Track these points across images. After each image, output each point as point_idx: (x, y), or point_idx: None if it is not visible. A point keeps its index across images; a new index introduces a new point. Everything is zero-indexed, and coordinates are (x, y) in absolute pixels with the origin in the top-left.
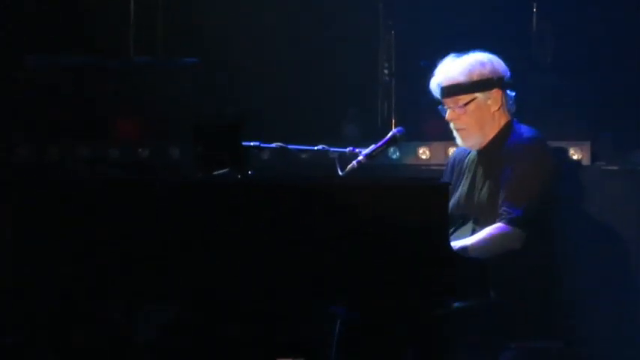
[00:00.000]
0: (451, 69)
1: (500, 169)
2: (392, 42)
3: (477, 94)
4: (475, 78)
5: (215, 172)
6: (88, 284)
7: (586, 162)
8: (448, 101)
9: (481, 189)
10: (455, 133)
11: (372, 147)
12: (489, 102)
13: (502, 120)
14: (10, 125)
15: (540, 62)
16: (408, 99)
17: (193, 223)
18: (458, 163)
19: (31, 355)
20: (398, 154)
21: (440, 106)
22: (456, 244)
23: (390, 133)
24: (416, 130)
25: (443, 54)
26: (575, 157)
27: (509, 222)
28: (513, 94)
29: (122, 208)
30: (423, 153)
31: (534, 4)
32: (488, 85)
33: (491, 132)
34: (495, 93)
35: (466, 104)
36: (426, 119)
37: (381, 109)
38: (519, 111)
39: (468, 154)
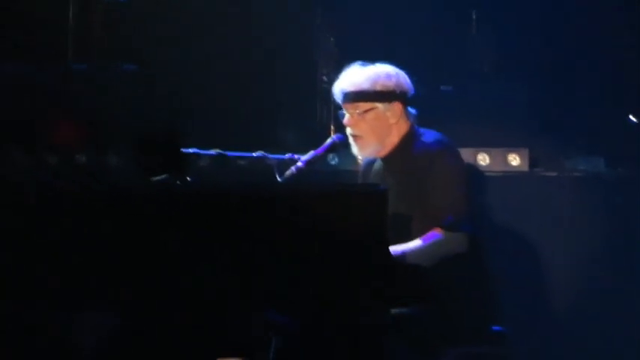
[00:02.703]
0: (356, 76)
1: (413, 179)
2: (331, 48)
3: (378, 104)
4: (378, 88)
5: (154, 178)
6: (29, 289)
7: (524, 168)
8: (349, 107)
9: (395, 201)
10: (351, 140)
11: (311, 153)
12: (388, 114)
13: (402, 129)
14: None
15: (480, 70)
16: None
17: (132, 228)
18: (365, 173)
19: None
20: (337, 160)
21: (340, 112)
22: (394, 249)
23: (329, 140)
24: None
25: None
26: (514, 163)
27: (446, 228)
28: (414, 112)
29: (64, 213)
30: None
31: (473, 12)
32: (390, 97)
33: (391, 141)
34: (396, 106)
35: (365, 112)
36: None
37: (320, 116)
38: (459, 117)
39: (374, 163)
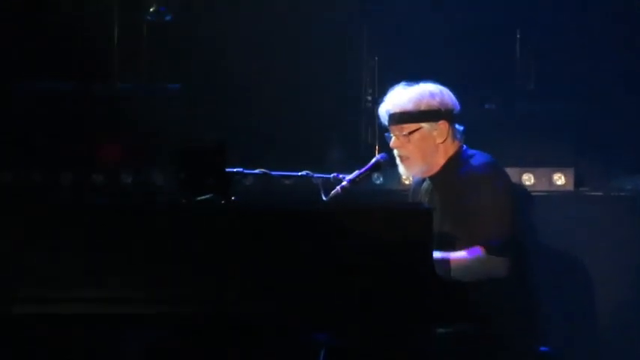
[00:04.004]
0: (400, 97)
1: (460, 200)
2: (375, 67)
3: (423, 124)
4: (423, 108)
5: (198, 198)
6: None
7: (570, 187)
8: (394, 128)
9: (440, 220)
10: (398, 161)
11: (356, 173)
12: (435, 133)
13: (450, 150)
14: None
15: (524, 89)
16: None
17: (177, 246)
18: (415, 192)
19: None
20: (382, 179)
21: (386, 133)
22: (438, 254)
23: (373, 159)
24: None
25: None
26: (559, 183)
27: (488, 252)
28: (462, 128)
29: (110, 231)
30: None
31: (517, 31)
32: (435, 117)
33: (437, 162)
34: (442, 125)
35: (411, 133)
36: None
37: (364, 135)
38: (503, 136)
39: (422, 183)
